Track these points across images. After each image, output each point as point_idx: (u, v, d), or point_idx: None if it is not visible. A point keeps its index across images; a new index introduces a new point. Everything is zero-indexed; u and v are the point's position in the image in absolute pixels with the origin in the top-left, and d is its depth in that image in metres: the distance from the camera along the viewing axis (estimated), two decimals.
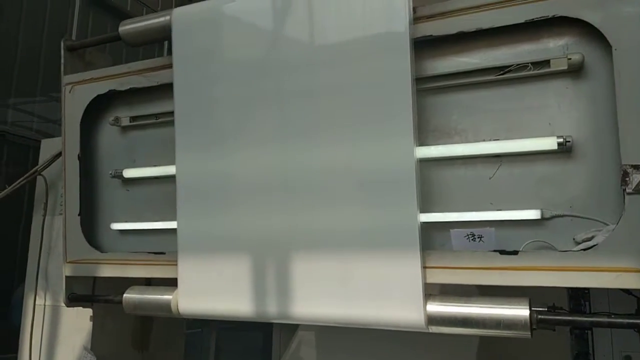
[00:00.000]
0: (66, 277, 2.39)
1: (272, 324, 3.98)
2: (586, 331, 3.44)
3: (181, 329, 3.14)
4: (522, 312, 1.67)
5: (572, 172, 1.75)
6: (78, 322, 2.54)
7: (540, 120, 1.78)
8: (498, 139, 1.81)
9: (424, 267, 1.78)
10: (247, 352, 5.19)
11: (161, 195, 2.36)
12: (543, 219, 1.75)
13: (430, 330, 1.80)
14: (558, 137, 1.70)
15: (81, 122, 2.46)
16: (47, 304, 2.62)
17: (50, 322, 2.60)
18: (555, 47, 1.75)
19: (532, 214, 1.75)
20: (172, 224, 2.23)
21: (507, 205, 1.80)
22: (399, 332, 2.67)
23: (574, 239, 1.72)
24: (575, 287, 1.65)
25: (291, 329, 3.09)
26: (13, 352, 2.69)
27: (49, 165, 2.76)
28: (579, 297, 3.30)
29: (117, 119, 2.43)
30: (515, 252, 1.69)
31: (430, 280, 1.79)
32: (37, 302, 2.64)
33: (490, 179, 1.84)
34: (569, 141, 1.69)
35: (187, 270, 2.14)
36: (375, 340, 2.69)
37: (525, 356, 2.88)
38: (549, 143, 1.72)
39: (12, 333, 2.78)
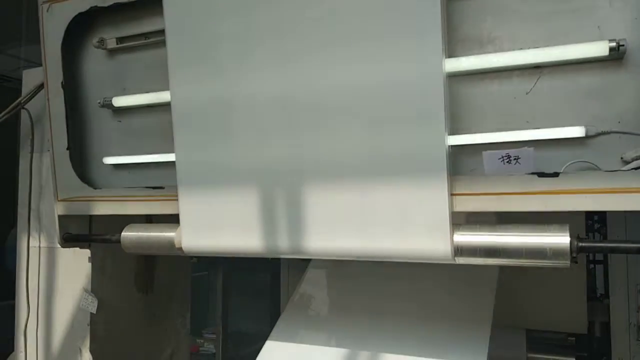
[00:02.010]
0: (59, 216, 2.23)
1: (280, 264, 3.89)
2: (592, 265, 3.35)
3: (187, 271, 3.01)
4: (561, 239, 1.51)
5: (623, 82, 1.53)
6: (76, 264, 2.40)
7: (588, 24, 1.55)
8: (538, 47, 1.58)
9: (452, 195, 1.61)
10: (255, 293, 5.16)
11: (156, 125, 2.15)
12: (587, 136, 1.55)
13: (457, 262, 1.65)
14: (610, 40, 1.47)
15: (63, 46, 2.21)
16: (41, 245, 2.48)
17: (46, 265, 2.46)
18: None
19: (576, 132, 1.55)
20: (170, 156, 2.03)
21: (547, 122, 1.60)
22: (414, 269, 2.55)
23: (622, 158, 1.53)
24: (622, 210, 1.48)
25: (300, 269, 2.98)
26: (10, 299, 2.57)
27: (32, 97, 2.53)
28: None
29: (102, 41, 2.18)
30: (555, 174, 1.51)
31: (458, 208, 1.61)
32: (31, 244, 2.49)
33: (527, 93, 1.62)
34: (623, 45, 1.46)
35: (189, 205, 1.97)
36: (388, 278, 2.58)
37: (540, 290, 2.79)
38: (599, 49, 1.49)
39: (9, 279, 2.64)
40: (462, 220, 1.68)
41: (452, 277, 2.42)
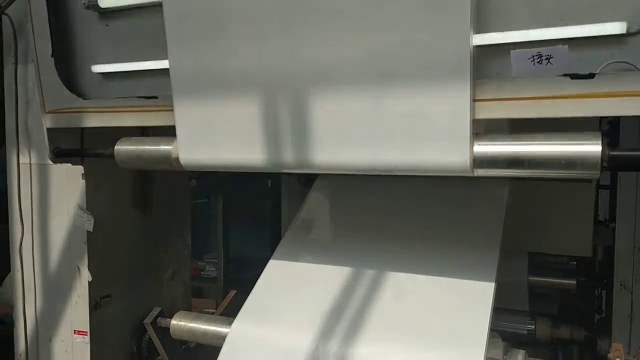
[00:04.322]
0: (47, 129, 2.10)
1: (280, 191, 3.82)
2: (597, 191, 3.28)
3: (186, 190, 2.92)
4: (592, 147, 1.39)
5: None
6: (69, 181, 2.29)
7: None
8: None
9: (474, 101, 1.47)
10: (256, 220, 5.14)
11: (148, 29, 1.96)
12: (628, 34, 1.38)
13: (476, 174, 1.53)
14: None
15: None
16: (32, 162, 2.35)
17: (39, 182, 2.35)
18: None
19: (615, 28, 1.38)
20: (163, 63, 1.87)
21: (583, 19, 1.42)
22: (419, 189, 2.46)
23: None
24: None
25: (301, 195, 2.90)
26: (3, 222, 2.48)
27: (13, 0, 2.31)
28: None
29: None
30: (591, 76, 1.36)
31: (480, 115, 1.48)
32: (21, 161, 2.37)
33: None
34: None
35: (185, 116, 1.83)
36: (393, 200, 2.49)
37: (546, 212, 2.72)
38: None
39: (3, 200, 2.52)
40: (481, 129, 1.55)
41: (462, 197, 2.34)
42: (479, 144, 1.49)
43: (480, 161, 1.49)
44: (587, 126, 1.44)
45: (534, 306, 3.02)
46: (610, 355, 1.81)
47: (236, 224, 4.97)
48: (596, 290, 3.28)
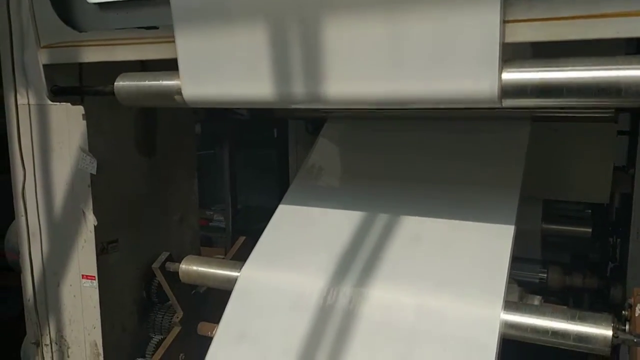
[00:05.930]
0: (44, 65, 1.98)
1: (287, 140, 3.73)
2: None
3: (191, 133, 2.81)
4: (637, 72, 1.26)
5: None
6: (70, 122, 2.20)
7: None
8: None
9: (504, 22, 1.33)
10: (263, 170, 5.07)
11: None
12: None
13: (504, 104, 1.42)
14: None
15: None
16: (31, 103, 2.25)
17: (38, 124, 2.25)
18: None
19: None
20: None
21: None
22: (439, 131, 2.35)
23: None
24: None
25: (308, 144, 2.81)
26: (5, 172, 2.39)
27: None
28: None
29: None
30: None
31: (511, 38, 1.35)
32: (19, 102, 2.27)
33: None
34: None
35: (188, 48, 1.70)
36: (407, 143, 2.40)
37: (563, 157, 2.62)
38: None
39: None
40: (509, 54, 1.41)
41: (481, 138, 2.24)
42: (508, 71, 1.36)
43: (509, 90, 1.37)
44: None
45: (546, 254, 2.97)
46: (631, 301, 1.74)
47: (243, 174, 4.89)
48: (611, 239, 3.21)
